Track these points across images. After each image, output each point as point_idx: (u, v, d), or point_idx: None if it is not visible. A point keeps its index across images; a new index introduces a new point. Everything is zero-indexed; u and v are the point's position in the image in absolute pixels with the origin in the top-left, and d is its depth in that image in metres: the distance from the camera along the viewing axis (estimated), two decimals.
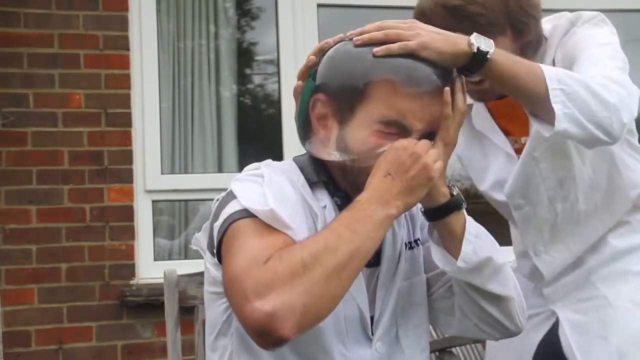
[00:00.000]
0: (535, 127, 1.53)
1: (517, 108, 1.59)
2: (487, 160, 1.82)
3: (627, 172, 1.73)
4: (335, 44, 1.40)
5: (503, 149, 1.78)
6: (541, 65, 1.45)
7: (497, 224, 1.85)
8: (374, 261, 1.38)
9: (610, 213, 1.75)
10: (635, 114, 1.53)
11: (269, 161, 1.42)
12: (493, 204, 1.87)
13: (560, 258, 1.77)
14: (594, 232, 1.75)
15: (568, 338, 1.73)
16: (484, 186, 1.85)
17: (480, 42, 1.36)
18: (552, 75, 1.41)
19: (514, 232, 1.93)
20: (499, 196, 1.79)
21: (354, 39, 1.35)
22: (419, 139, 1.31)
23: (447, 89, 1.33)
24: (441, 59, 1.33)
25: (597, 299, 1.73)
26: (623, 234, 1.76)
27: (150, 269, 3.45)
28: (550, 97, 1.40)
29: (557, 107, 1.39)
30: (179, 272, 1.80)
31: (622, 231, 1.76)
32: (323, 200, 1.38)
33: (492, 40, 1.37)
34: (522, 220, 1.78)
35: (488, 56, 1.36)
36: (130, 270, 3.41)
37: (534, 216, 1.75)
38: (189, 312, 1.82)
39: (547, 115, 1.43)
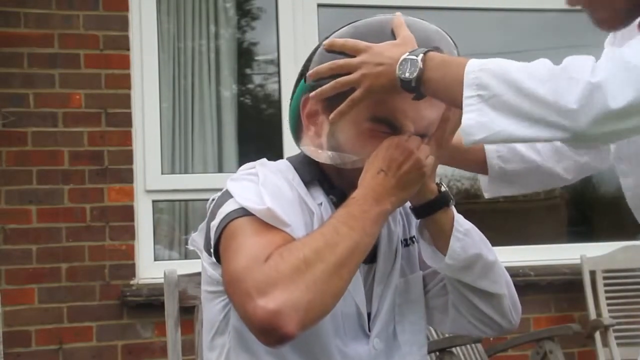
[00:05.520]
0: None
1: None
2: None
3: None
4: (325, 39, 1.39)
5: None
6: (467, 65, 1.21)
7: (496, 223, 1.85)
8: (371, 258, 1.38)
9: None
10: None
11: (264, 160, 1.41)
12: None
13: None
14: None
15: None
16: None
17: (405, 69, 1.23)
18: (472, 80, 1.19)
19: None
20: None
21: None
22: None
23: None
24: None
25: None
26: None
27: (150, 269, 3.45)
28: (463, 105, 1.19)
29: (467, 116, 1.19)
30: (179, 272, 1.80)
31: None
32: (318, 198, 1.38)
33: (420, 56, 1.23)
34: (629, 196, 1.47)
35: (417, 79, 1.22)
36: (131, 270, 3.41)
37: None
38: (189, 312, 1.82)
39: None
